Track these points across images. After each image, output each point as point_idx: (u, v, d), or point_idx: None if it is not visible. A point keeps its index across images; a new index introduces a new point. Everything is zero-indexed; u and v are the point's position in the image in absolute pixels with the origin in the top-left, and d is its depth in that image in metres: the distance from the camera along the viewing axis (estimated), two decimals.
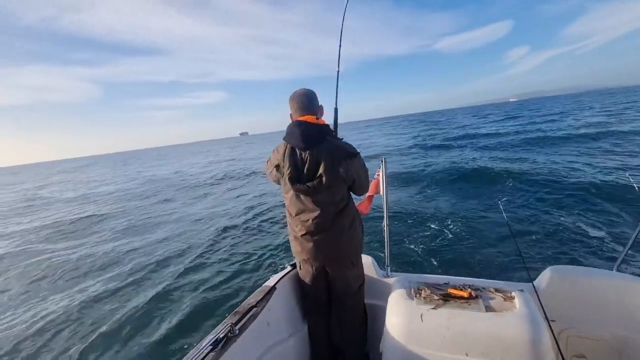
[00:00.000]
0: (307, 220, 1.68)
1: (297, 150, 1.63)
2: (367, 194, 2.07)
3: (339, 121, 2.07)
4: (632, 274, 1.75)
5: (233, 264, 5.37)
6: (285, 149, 1.67)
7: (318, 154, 1.60)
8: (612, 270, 1.85)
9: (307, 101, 1.67)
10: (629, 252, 1.90)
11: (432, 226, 5.88)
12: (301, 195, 1.67)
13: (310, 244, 1.72)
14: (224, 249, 6.19)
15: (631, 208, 5.65)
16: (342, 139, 1.73)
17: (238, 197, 11.28)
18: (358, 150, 1.71)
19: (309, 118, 1.64)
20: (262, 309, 1.65)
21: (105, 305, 4.59)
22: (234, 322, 1.47)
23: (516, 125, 25.25)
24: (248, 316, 1.57)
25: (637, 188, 2.14)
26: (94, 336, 3.87)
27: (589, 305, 1.70)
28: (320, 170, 1.59)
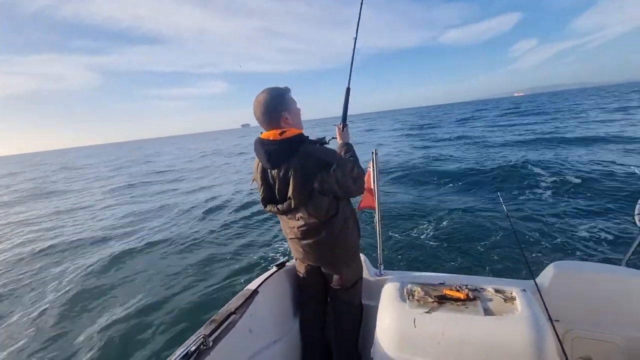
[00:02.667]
0: (294, 227, 1.61)
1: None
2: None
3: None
4: None
5: (217, 262, 5.16)
6: (259, 165, 1.58)
7: (286, 172, 1.46)
8: (620, 265, 1.78)
9: (263, 113, 1.47)
10: (638, 246, 1.82)
11: (428, 220, 5.73)
12: None
13: (300, 248, 1.68)
14: (207, 244, 5.98)
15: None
16: (323, 140, 1.56)
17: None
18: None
19: (272, 134, 1.46)
20: (242, 316, 1.54)
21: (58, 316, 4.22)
22: (207, 333, 1.36)
23: (520, 120, 24.87)
24: (225, 325, 1.46)
25: None
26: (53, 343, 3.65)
27: (595, 304, 1.62)
28: (289, 192, 1.47)
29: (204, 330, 1.38)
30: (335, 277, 1.73)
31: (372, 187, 1.93)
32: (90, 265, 5.51)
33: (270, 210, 1.59)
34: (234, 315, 1.52)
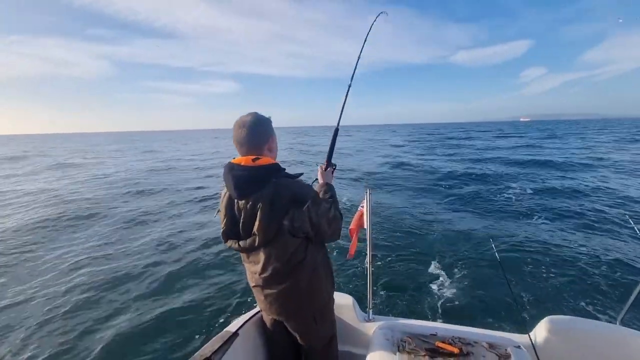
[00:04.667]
0: (255, 272, 1.46)
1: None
2: (351, 229, 1.94)
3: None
4: (637, 328, 1.65)
5: (192, 297, 4.65)
6: (225, 194, 1.44)
7: (254, 205, 1.32)
8: (615, 323, 1.77)
9: (247, 135, 1.35)
10: (633, 304, 1.80)
11: (419, 263, 5.56)
12: None
13: (262, 297, 1.51)
14: (182, 273, 5.45)
15: (636, 255, 5.36)
16: (299, 175, 1.44)
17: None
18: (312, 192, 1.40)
19: (244, 160, 1.34)
20: None
21: None
22: None
23: (522, 152, 24.76)
24: None
25: (637, 231, 2.04)
26: None
27: None
28: (255, 227, 1.33)
29: None
30: (303, 337, 1.57)
31: (365, 226, 1.88)
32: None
33: (230, 246, 1.44)
34: None
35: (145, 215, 9.08)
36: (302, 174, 1.47)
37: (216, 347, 1.50)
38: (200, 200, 10.88)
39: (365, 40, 1.95)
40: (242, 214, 1.37)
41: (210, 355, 1.44)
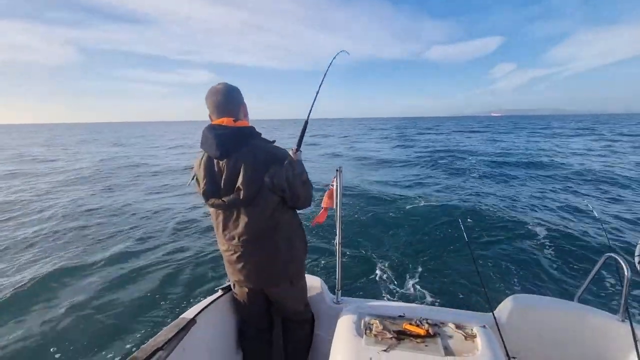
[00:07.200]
0: (234, 238, 1.51)
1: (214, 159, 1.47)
2: (323, 206, 1.92)
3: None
4: (594, 305, 1.78)
5: (143, 287, 4.41)
6: (202, 158, 1.49)
7: (236, 162, 1.40)
8: (573, 300, 1.87)
9: (223, 100, 1.45)
10: (590, 282, 1.91)
11: (389, 243, 5.72)
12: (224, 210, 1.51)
13: (240, 265, 1.55)
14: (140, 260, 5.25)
15: (595, 237, 5.83)
16: (273, 141, 1.53)
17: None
18: (292, 152, 1.58)
19: (225, 120, 1.43)
20: (170, 352, 1.34)
21: None
22: None
23: (489, 143, 26.41)
24: None
25: (596, 215, 2.34)
26: None
27: (549, 340, 1.72)
28: (239, 182, 1.40)
29: None
30: (281, 302, 1.68)
31: (334, 206, 1.86)
32: None
33: (212, 204, 1.48)
34: (160, 352, 1.31)
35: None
36: (274, 140, 1.52)
37: (170, 335, 1.39)
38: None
39: (324, 75, 2.07)
40: (225, 172, 1.42)
41: (163, 345, 1.33)
